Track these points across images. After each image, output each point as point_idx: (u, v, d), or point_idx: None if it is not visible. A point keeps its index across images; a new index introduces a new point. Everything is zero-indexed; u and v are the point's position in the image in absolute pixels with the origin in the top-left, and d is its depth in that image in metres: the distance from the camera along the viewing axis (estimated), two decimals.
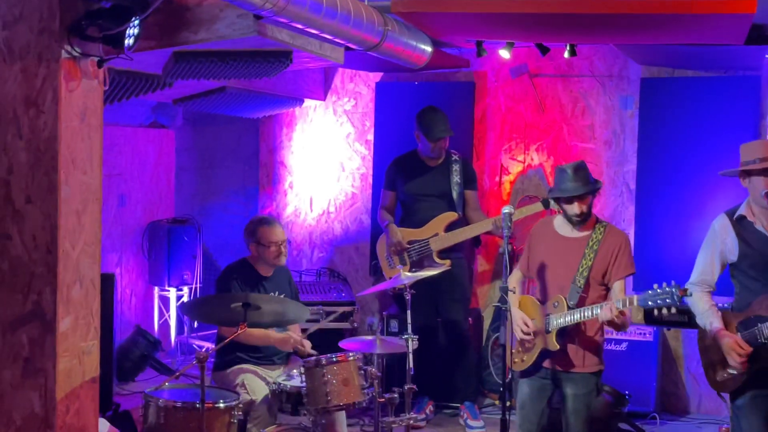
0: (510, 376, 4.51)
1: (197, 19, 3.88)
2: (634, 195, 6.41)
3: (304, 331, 5.30)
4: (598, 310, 4.01)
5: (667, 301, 3.86)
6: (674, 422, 6.08)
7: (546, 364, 4.26)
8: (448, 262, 5.83)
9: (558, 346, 4.15)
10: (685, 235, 6.04)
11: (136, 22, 3.53)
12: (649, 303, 3.91)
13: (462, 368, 6.02)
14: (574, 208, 4.22)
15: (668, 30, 4.74)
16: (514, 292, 4.19)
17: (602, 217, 6.37)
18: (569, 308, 4.13)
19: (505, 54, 5.82)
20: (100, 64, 3.73)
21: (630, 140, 6.43)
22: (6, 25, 3.64)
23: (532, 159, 6.63)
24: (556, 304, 4.18)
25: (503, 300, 4.01)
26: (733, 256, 4.09)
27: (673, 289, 3.84)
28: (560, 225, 4.36)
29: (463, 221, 6.07)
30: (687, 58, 5.96)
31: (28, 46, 3.61)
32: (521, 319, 4.27)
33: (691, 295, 3.94)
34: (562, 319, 4.14)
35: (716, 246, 4.14)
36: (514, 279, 4.53)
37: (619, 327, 4.10)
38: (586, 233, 4.27)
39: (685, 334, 6.24)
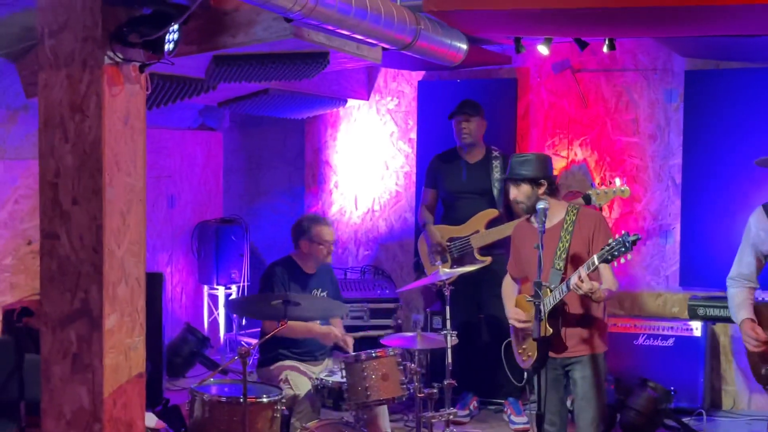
0: (526, 374, 4.56)
1: (235, 23, 3.98)
2: (679, 189, 6.34)
3: (350, 329, 5.38)
4: (570, 281, 4.06)
5: (621, 250, 3.91)
6: (722, 419, 5.99)
7: (551, 353, 4.28)
8: (489, 258, 5.84)
9: (551, 330, 4.19)
10: (732, 229, 5.92)
11: (176, 27, 3.64)
12: (608, 257, 3.96)
13: (510, 362, 6.01)
14: (510, 192, 4.39)
15: (707, 22, 4.69)
16: (549, 288, 4.20)
17: (648, 212, 6.41)
18: (551, 291, 4.18)
19: (543, 50, 5.81)
20: (141, 69, 3.85)
21: (675, 134, 6.36)
22: (52, 34, 3.78)
23: (575, 154, 6.60)
24: (540, 291, 4.21)
25: (537, 295, 4.03)
26: (765, 248, 4.05)
27: (625, 238, 3.90)
28: (535, 221, 4.40)
29: (507, 217, 6.06)
30: (732, 50, 5.88)
31: (73, 54, 3.74)
32: (513, 315, 4.43)
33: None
34: (547, 302, 4.16)
35: (749, 238, 4.11)
36: (507, 284, 4.65)
37: (593, 296, 4.08)
38: (559, 219, 4.34)
39: (734, 329, 6.13)
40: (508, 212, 6.05)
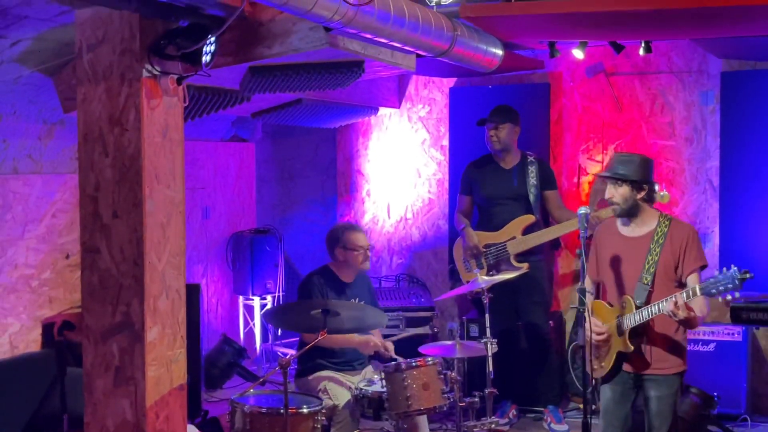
0: (594, 381, 4.40)
1: (271, 34, 3.98)
2: (717, 192, 6.26)
3: (386, 336, 5.36)
4: (664, 304, 3.90)
5: (729, 286, 3.72)
6: (767, 424, 5.90)
7: (626, 367, 4.15)
8: (525, 265, 5.79)
9: (632, 348, 4.05)
10: None
11: (213, 39, 3.65)
12: (712, 291, 3.77)
13: (544, 372, 5.97)
14: (607, 191, 4.16)
15: (746, 22, 4.63)
16: (592, 294, 4.11)
17: (685, 215, 6.33)
18: (637, 307, 4.03)
19: (578, 54, 5.76)
20: (179, 81, 3.86)
21: (712, 136, 6.29)
22: (90, 48, 3.80)
23: (610, 158, 6.53)
24: (624, 304, 4.08)
25: (581, 302, 3.96)
26: None
27: (734, 274, 3.70)
28: (622, 225, 4.24)
29: (544, 222, 6.03)
30: None
31: (111, 67, 3.76)
32: (594, 324, 4.18)
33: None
34: (632, 319, 4.03)
35: None
36: (588, 285, 4.37)
37: (687, 323, 3.95)
38: (648, 229, 4.14)
39: None
40: (545, 218, 6.05)
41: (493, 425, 4.67)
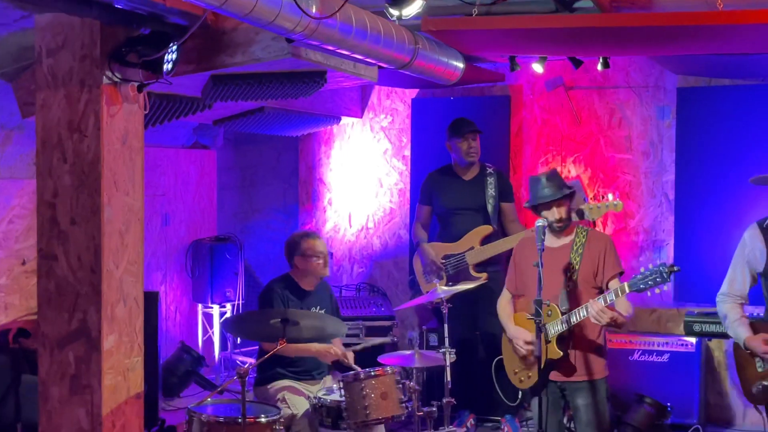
0: (521, 395, 4.51)
1: (233, 43, 3.99)
2: (673, 205, 6.37)
3: (347, 345, 5.36)
4: (589, 309, 4.02)
5: (657, 280, 3.82)
6: None
7: (552, 376, 4.23)
8: (484, 275, 5.84)
9: (561, 353, 4.15)
10: (726, 245, 5.93)
11: (174, 47, 3.65)
12: (641, 286, 3.88)
13: (502, 381, 6.01)
14: (554, 214, 4.24)
15: (702, 41, 4.72)
16: (561, 311, 4.15)
17: (642, 228, 6.44)
18: (562, 314, 4.14)
19: (538, 68, 5.85)
20: (140, 88, 3.86)
21: (668, 150, 6.40)
22: (50, 53, 3.78)
23: (569, 171, 6.62)
24: (549, 312, 4.17)
25: (538, 313, 4.01)
26: (760, 266, 4.08)
27: (661, 268, 3.81)
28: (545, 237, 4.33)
29: (499, 234, 6.08)
30: (724, 67, 5.93)
31: (71, 73, 3.75)
32: (520, 335, 4.33)
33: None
34: (559, 326, 4.13)
35: (744, 255, 4.14)
36: (504, 300, 4.59)
37: (615, 324, 4.05)
38: (568, 240, 4.31)
39: (728, 344, 6.15)
40: (503, 229, 6.12)
41: None
